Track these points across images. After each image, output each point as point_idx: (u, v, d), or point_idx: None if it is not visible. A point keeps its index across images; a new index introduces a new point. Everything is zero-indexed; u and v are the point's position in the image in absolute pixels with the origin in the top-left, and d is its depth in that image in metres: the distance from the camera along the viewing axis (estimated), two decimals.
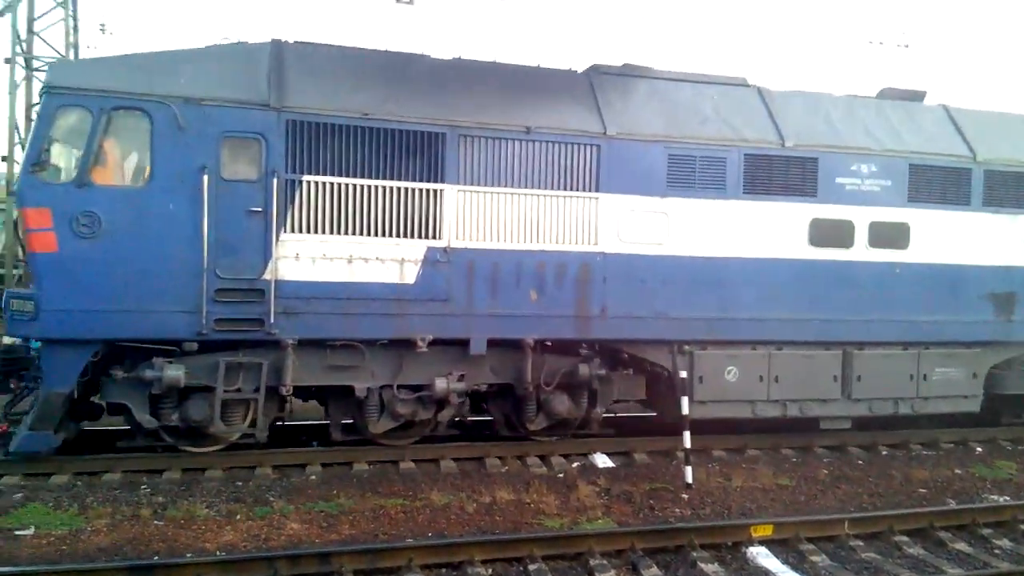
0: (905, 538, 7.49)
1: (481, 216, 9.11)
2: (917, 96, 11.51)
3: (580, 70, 10.31)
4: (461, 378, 9.26)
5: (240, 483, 8.47)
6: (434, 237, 8.93)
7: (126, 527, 7.06)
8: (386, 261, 8.76)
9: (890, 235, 10.43)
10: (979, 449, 11.14)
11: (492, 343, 9.20)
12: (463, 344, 9.13)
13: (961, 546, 7.39)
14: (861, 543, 7.33)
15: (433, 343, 8.95)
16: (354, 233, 8.69)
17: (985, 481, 9.63)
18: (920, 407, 10.78)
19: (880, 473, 9.74)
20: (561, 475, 9.17)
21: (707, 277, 9.76)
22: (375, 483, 8.60)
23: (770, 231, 10.02)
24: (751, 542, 7.12)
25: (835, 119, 10.60)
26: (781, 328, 10.07)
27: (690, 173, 9.73)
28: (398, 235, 8.82)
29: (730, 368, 10.00)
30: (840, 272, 10.24)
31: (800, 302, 10.09)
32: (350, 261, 8.67)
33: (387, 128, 8.75)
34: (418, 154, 8.85)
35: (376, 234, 8.76)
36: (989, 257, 10.90)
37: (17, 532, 6.91)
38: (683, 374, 9.44)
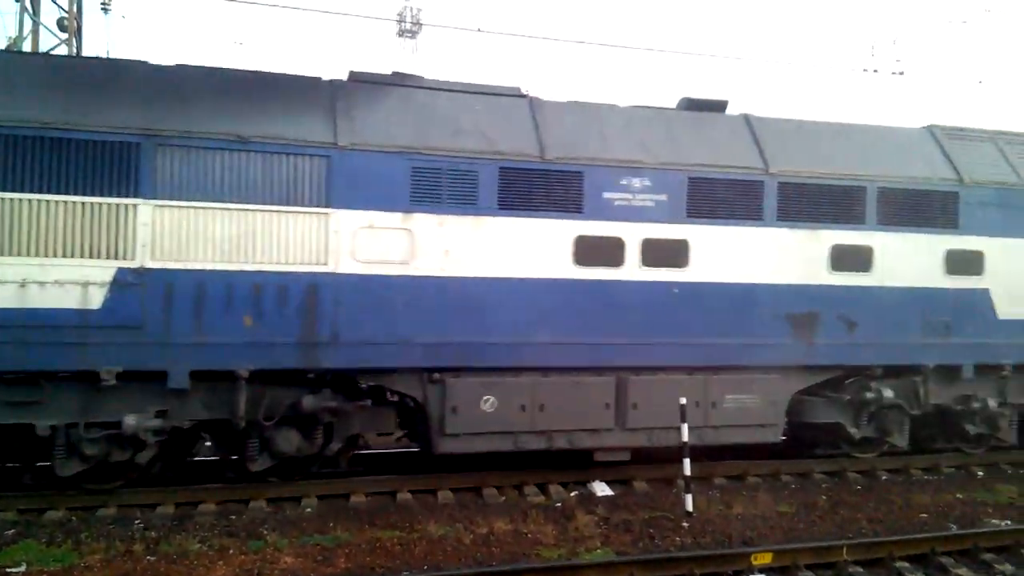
0: (906, 564, 7.42)
1: (184, 234, 8.28)
2: (717, 106, 10.74)
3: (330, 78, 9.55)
4: (161, 414, 8.38)
5: (234, 517, 8.40)
6: (125, 258, 8.13)
7: (119, 563, 6.98)
8: (66, 284, 7.95)
9: (666, 253, 9.67)
10: (980, 474, 11.07)
11: (203, 375, 8.38)
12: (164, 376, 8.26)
13: (963, 571, 7.32)
14: (861, 569, 7.26)
15: (128, 376, 8.12)
16: (28, 254, 7.90)
17: (987, 506, 9.55)
18: (710, 437, 9.96)
19: (880, 498, 9.66)
20: (559, 504, 9.10)
21: (460, 299, 9.05)
22: (372, 515, 8.53)
23: (531, 249, 9.29)
24: (751, 570, 7.06)
25: (609, 131, 9.87)
26: (546, 353, 9.35)
27: (437, 187, 9.03)
28: (81, 256, 8.02)
29: (487, 397, 9.21)
30: (610, 293, 9.50)
31: (567, 325, 9.38)
32: (23, 285, 7.86)
33: (69, 138, 8.02)
34: (107, 166, 8.10)
35: (55, 255, 7.95)
36: (786, 275, 10.12)
37: (10, 570, 6.83)
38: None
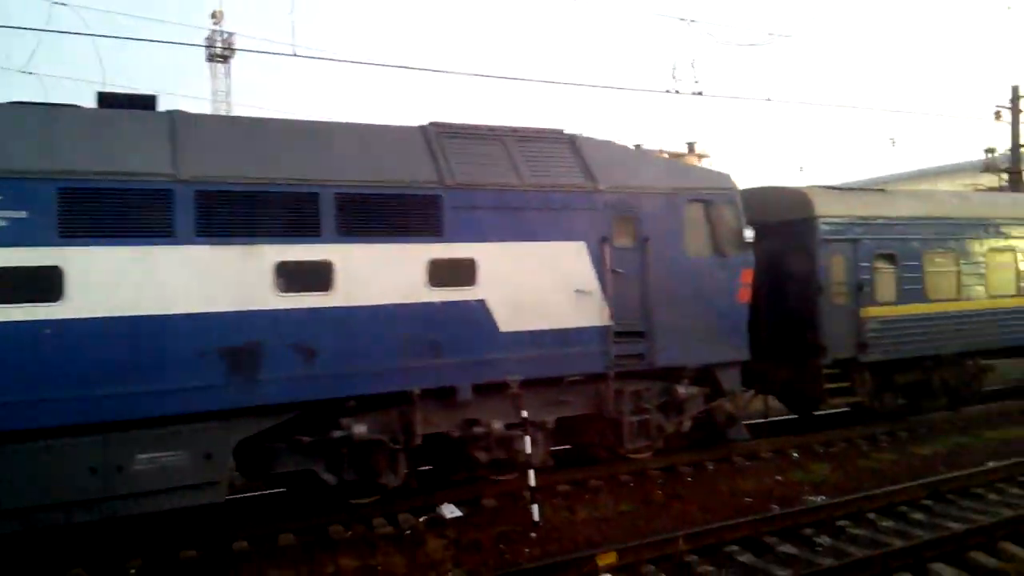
0: (736, 547, 7.92)
1: None
2: (141, 101, 8.99)
3: None
4: None
5: None
6: None
7: None
8: None
9: (25, 283, 7.47)
10: (796, 455, 12.06)
11: None
12: None
13: (787, 548, 7.90)
14: (696, 558, 7.66)
15: None
16: None
17: (803, 485, 10.42)
18: (120, 508, 7.91)
19: (709, 488, 10.29)
20: (408, 532, 8.92)
21: None
22: (208, 568, 7.96)
23: None
24: (597, 572, 7.24)
25: None
26: None
27: None
28: None
29: None
30: None
31: None
32: None
33: None
34: None
35: None
36: (213, 303, 8.21)
37: None
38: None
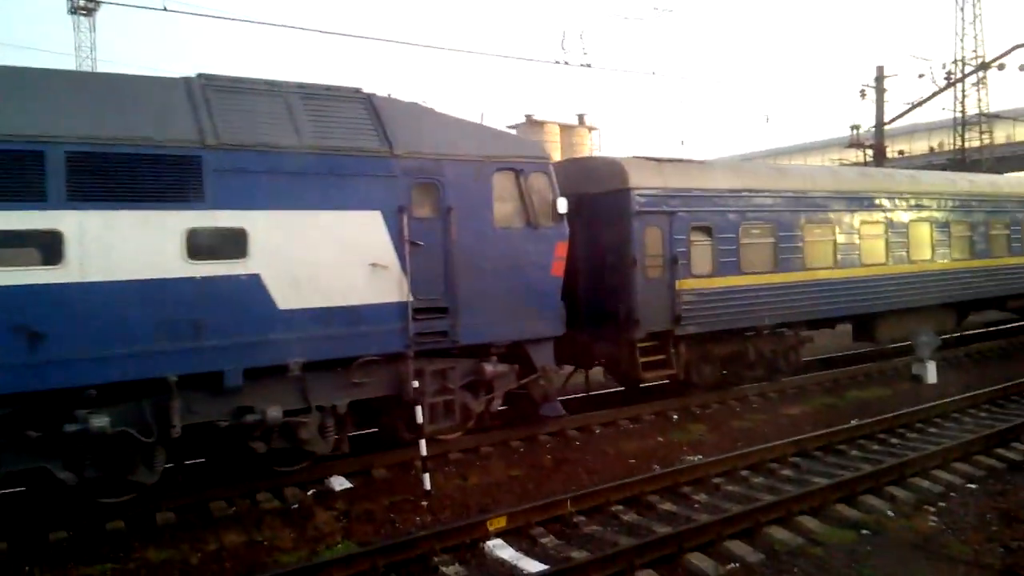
0: (620, 507, 8.23)
1: None
2: None
3: None
4: None
5: None
6: None
7: None
8: None
9: None
10: (675, 417, 12.61)
11: None
12: None
13: (668, 506, 8.28)
14: (583, 518, 7.92)
15: None
16: None
17: (682, 445, 10.92)
18: None
19: (596, 451, 10.62)
20: (296, 506, 8.75)
21: None
22: (74, 550, 7.54)
23: None
24: (488, 537, 7.36)
25: None
26: None
27: None
28: None
29: None
30: None
31: None
32: None
33: None
34: None
35: None
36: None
37: None
38: None
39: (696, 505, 8.35)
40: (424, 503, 8.60)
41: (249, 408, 8.68)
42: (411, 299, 9.60)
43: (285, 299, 8.74)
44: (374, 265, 9.34)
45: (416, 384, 9.57)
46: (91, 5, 43.39)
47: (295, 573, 6.52)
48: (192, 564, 7.17)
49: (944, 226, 16.95)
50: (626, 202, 12.12)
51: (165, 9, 12.51)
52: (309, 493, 9.15)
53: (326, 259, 9.01)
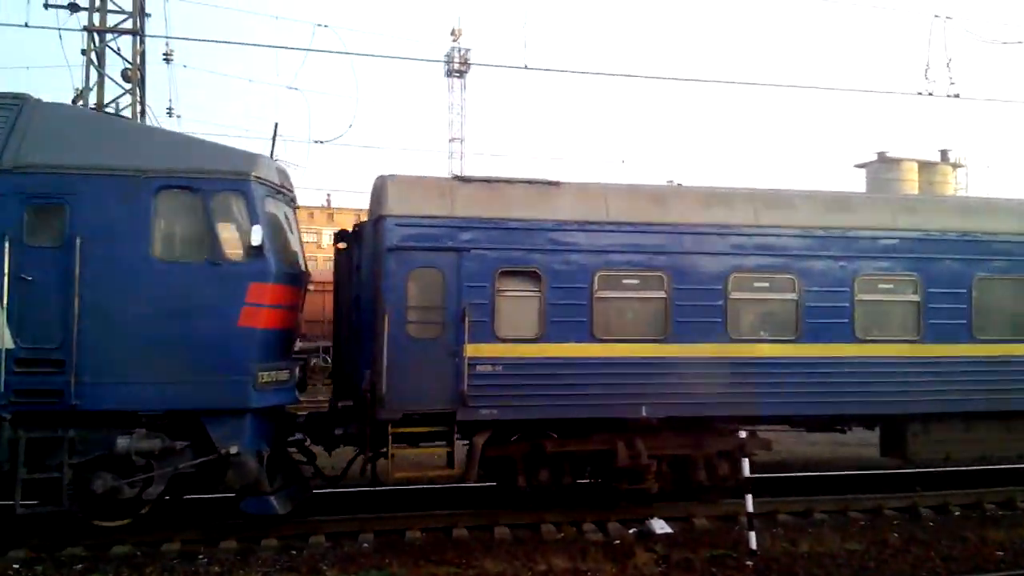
0: None
1: None
2: None
3: None
4: None
5: (295, 552, 8.48)
6: None
7: None
8: None
9: None
10: None
11: None
12: None
13: None
14: None
15: None
16: None
17: None
18: None
19: (953, 535, 9.25)
20: (618, 542, 8.94)
21: None
22: (427, 551, 8.51)
23: None
24: None
25: None
26: None
27: None
28: None
29: None
30: None
31: None
32: None
33: None
34: None
35: None
36: None
37: None
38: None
39: None
40: (749, 563, 8.23)
41: None
42: (13, 347, 7.88)
43: None
44: None
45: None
46: (463, 68, 49.60)
47: None
48: None
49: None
50: (380, 234, 9.24)
51: (526, 67, 13.92)
52: (631, 531, 9.28)
53: None
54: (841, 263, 10.10)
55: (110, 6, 17.89)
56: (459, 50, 49.38)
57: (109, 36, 17.99)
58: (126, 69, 18.14)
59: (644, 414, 9.53)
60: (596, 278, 9.49)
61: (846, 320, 10.02)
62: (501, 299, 9.30)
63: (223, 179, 8.49)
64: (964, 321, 10.28)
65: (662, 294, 9.66)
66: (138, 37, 18.18)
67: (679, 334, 9.60)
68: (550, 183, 9.88)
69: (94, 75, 17.89)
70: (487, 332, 9.21)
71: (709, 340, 9.69)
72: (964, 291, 10.31)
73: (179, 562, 8.10)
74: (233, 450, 8.27)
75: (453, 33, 49.18)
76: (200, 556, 8.30)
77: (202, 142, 9.22)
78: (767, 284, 9.99)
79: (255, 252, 8.33)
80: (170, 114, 23.21)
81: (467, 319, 9.08)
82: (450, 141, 50.44)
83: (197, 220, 8.37)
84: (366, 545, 8.74)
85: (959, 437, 10.59)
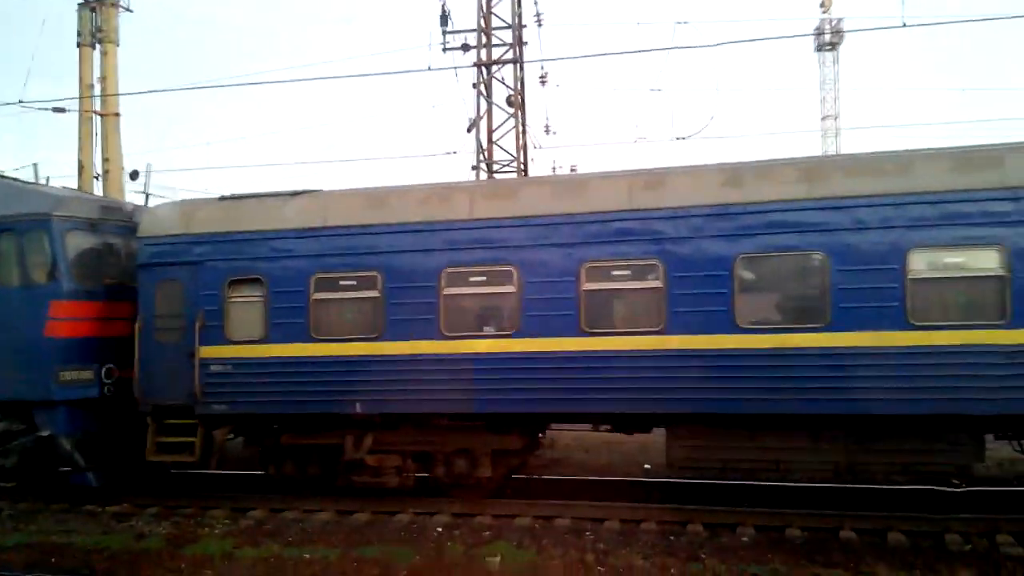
0: None
1: None
2: None
3: None
4: None
5: (672, 537, 8.74)
6: None
7: (574, 569, 7.81)
8: None
9: None
10: None
11: None
12: None
13: None
14: None
15: None
16: None
17: None
18: None
19: None
20: None
21: None
22: (811, 551, 8.15)
23: None
24: None
25: None
26: None
27: None
28: None
29: None
30: None
31: None
32: None
33: None
34: None
35: None
36: None
37: (488, 558, 8.16)
38: None
39: None
40: None
41: None
42: None
43: None
44: None
45: None
46: (835, 39, 45.88)
47: None
48: None
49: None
50: (136, 254, 10.78)
51: (903, 25, 12.48)
52: None
53: None
54: (567, 251, 9.15)
55: (494, 40, 20.12)
56: (830, 20, 45.66)
57: (495, 67, 20.24)
58: (509, 95, 20.21)
59: (359, 410, 9.90)
60: (312, 281, 10.05)
61: (571, 312, 9.02)
62: (231, 305, 10.31)
63: (31, 219, 10.75)
64: (724, 308, 8.54)
65: (375, 294, 9.85)
66: (518, 64, 20.16)
67: (393, 332, 9.74)
68: (295, 193, 10.60)
69: (482, 104, 20.27)
70: (219, 335, 10.28)
71: (423, 337, 9.68)
72: (724, 274, 8.58)
73: (569, 536, 8.87)
74: (45, 432, 10.65)
75: (823, 5, 45.60)
76: (587, 532, 8.97)
77: (24, 191, 11.46)
78: (484, 278, 9.62)
79: (53, 275, 10.55)
80: (547, 131, 25.28)
81: (199, 323, 10.24)
82: (822, 119, 46.93)
83: (16, 252, 10.81)
84: (745, 539, 8.65)
85: (739, 445, 9.12)
